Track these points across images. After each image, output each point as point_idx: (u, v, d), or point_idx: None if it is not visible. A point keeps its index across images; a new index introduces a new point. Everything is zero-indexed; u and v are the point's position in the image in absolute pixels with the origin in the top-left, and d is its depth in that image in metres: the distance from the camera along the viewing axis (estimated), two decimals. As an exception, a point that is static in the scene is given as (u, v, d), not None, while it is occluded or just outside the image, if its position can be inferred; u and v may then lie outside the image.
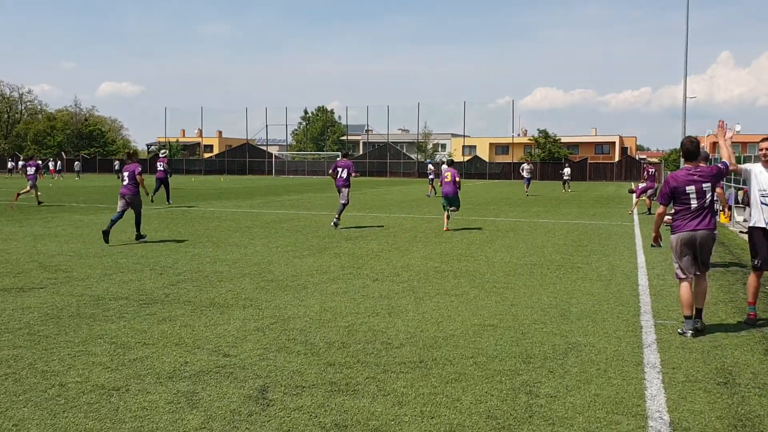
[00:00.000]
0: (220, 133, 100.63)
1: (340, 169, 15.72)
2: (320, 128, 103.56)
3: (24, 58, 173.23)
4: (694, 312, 6.42)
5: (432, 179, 33.96)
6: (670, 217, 6.92)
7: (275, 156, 79.99)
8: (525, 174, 33.62)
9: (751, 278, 6.98)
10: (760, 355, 5.67)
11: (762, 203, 6.80)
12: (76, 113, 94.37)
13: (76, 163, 61.73)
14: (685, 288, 6.49)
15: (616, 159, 77.38)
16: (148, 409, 4.30)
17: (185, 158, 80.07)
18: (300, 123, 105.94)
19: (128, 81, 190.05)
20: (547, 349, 5.74)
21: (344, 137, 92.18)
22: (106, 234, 12.17)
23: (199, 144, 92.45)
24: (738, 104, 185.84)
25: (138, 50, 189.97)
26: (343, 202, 15.68)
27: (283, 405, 4.40)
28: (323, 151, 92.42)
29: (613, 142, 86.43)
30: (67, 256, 10.72)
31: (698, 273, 6.60)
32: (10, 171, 64.30)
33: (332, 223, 15.61)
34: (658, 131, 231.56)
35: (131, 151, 13.58)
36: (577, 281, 9.02)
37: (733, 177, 21.14)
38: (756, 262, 6.85)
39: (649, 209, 21.38)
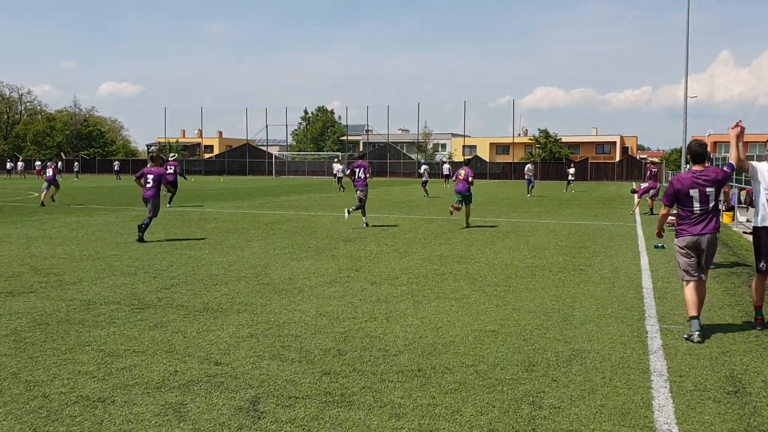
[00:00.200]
0: (221, 133, 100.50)
1: (357, 170, 16.44)
2: (320, 128, 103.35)
3: (24, 58, 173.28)
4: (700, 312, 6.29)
5: (425, 181, 33.45)
6: (673, 218, 6.80)
7: (275, 156, 79.83)
8: (527, 174, 33.21)
9: (756, 281, 6.78)
10: (770, 362, 5.48)
11: None
12: (76, 114, 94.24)
13: (75, 163, 61.60)
14: (690, 289, 6.37)
15: (617, 159, 77.20)
16: (133, 422, 4.11)
17: (185, 159, 79.88)
18: (300, 123, 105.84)
19: (128, 81, 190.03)
20: (551, 356, 5.55)
21: (344, 137, 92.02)
22: (140, 240, 12.70)
23: (199, 144, 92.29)
24: (738, 103, 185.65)
25: (138, 50, 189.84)
26: (360, 199, 16.35)
27: (274, 417, 4.21)
28: (323, 151, 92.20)
29: (614, 142, 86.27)
30: (60, 259, 10.53)
31: (702, 276, 6.48)
32: (9, 172, 64.17)
33: (364, 225, 16.17)
34: (658, 131, 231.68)
35: (155, 155, 13.90)
36: (579, 284, 8.83)
37: (734, 177, 20.99)
38: (761, 265, 6.66)
39: (651, 209, 21.18)
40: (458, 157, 74.69)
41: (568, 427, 4.11)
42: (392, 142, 78.49)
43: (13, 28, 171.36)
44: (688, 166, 6.94)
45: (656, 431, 4.08)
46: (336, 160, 39.55)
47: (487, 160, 75.42)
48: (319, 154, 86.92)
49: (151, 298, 7.72)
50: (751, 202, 17.60)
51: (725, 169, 6.64)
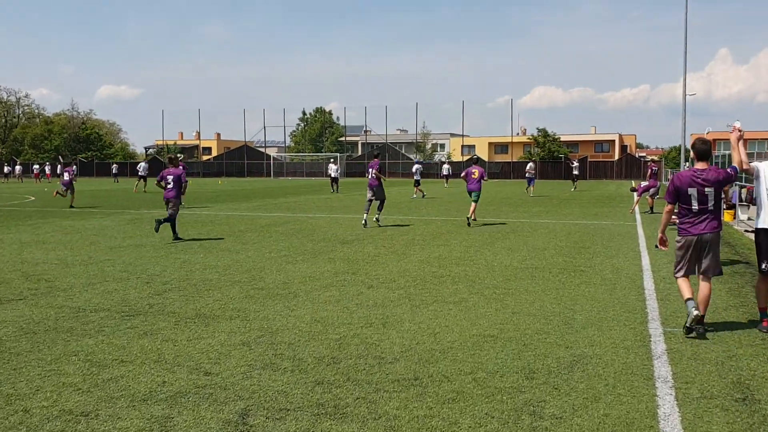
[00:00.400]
0: (219, 135, 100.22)
1: (370, 170, 17.00)
2: (318, 129, 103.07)
3: (22, 62, 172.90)
4: (694, 296, 6.30)
5: (418, 180, 33.07)
6: (676, 217, 6.69)
7: (273, 158, 79.60)
8: (528, 173, 32.90)
9: (760, 283, 6.62)
10: (778, 367, 5.31)
11: None
12: (74, 117, 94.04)
13: (74, 166, 61.38)
14: (682, 280, 6.46)
15: (616, 157, 77.02)
16: (116, 437, 3.94)
17: (184, 161, 79.65)
18: (298, 124, 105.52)
19: (127, 84, 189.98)
20: (552, 362, 5.38)
21: (342, 138, 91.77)
22: (176, 239, 13.33)
23: (197, 146, 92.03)
24: (736, 101, 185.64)
25: (136, 53, 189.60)
26: (377, 199, 16.68)
27: (264, 431, 4.04)
28: (322, 152, 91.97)
29: (613, 141, 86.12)
30: (51, 265, 10.35)
31: (700, 275, 6.42)
32: (7, 176, 63.95)
33: (376, 222, 16.78)
34: (657, 129, 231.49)
35: (173, 156, 14.31)
36: (580, 286, 8.66)
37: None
38: (763, 267, 6.50)
39: (651, 208, 21.01)
40: (457, 157, 74.51)
41: (571, 438, 3.94)
42: (391, 143, 78.29)
43: (11, 31, 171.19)
44: (687, 164, 6.83)
45: (662, 442, 3.91)
46: (332, 160, 39.10)
47: (486, 159, 75.20)
48: (318, 156, 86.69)
49: (143, 304, 7.54)
50: (751, 200, 17.43)
51: (729, 170, 6.53)
